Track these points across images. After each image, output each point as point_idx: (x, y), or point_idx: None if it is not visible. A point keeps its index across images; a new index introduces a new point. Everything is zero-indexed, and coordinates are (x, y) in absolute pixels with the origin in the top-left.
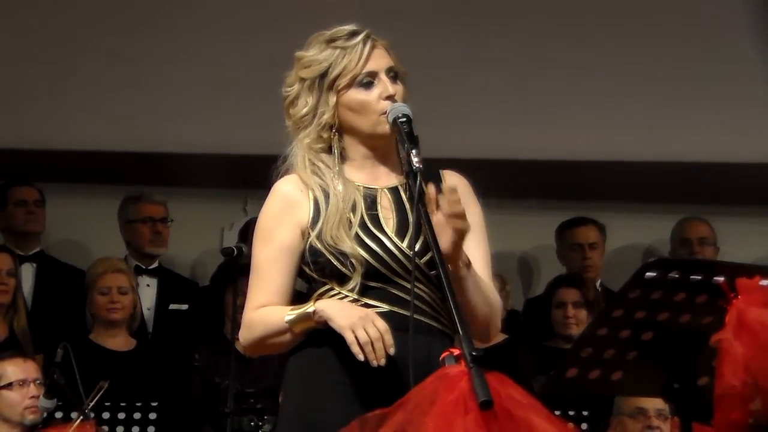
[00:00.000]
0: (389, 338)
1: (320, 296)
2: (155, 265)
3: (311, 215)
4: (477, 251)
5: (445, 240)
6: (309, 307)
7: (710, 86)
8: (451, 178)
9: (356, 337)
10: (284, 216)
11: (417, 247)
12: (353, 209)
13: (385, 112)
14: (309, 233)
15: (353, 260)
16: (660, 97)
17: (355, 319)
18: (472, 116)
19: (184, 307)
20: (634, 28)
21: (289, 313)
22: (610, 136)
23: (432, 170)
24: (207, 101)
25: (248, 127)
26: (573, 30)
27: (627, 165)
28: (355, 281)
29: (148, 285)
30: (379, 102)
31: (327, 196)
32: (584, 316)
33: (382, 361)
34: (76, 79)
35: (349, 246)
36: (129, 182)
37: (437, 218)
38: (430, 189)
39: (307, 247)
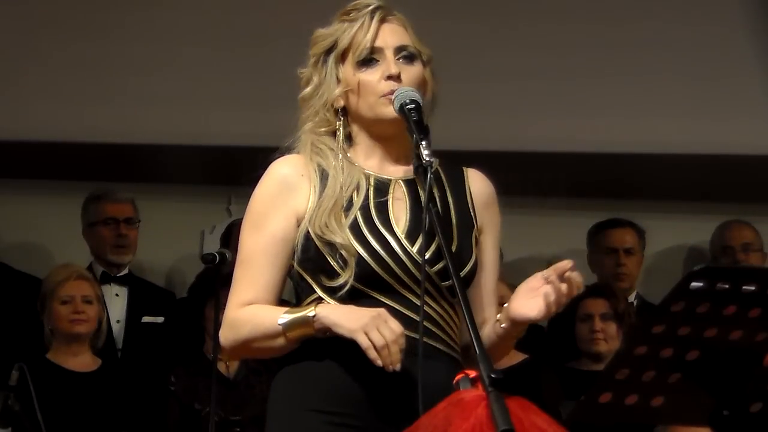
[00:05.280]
0: (403, 341)
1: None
2: (125, 272)
3: (310, 202)
4: (491, 271)
5: (529, 308)
6: (308, 311)
7: None
8: (478, 181)
9: (371, 341)
10: (279, 200)
11: (430, 251)
12: (356, 194)
13: (385, 94)
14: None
15: (344, 252)
16: (708, 78)
17: (367, 320)
18: (490, 101)
19: (160, 320)
20: None
21: (284, 316)
22: (652, 124)
23: (454, 165)
24: (184, 83)
25: (232, 114)
26: (605, 2)
27: (671, 158)
28: (345, 277)
29: (116, 294)
30: (379, 82)
31: (326, 177)
32: (614, 330)
33: (398, 366)
34: (30, 57)
35: (340, 236)
36: (93, 178)
37: (543, 286)
38: (565, 263)
39: (299, 233)
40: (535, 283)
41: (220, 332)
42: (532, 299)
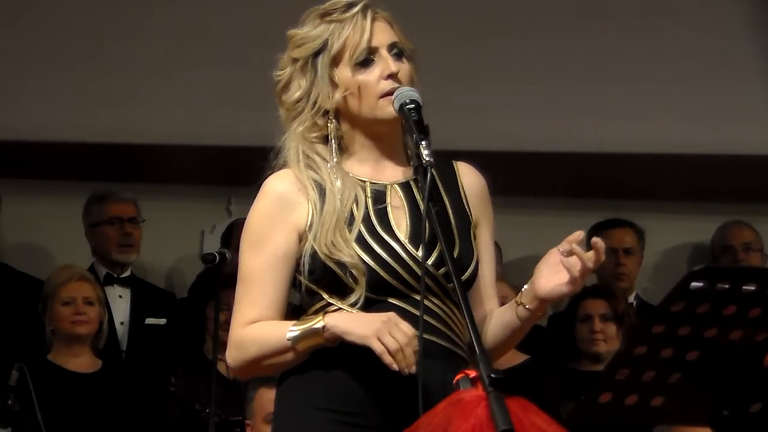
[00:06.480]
0: (416, 343)
1: (318, 312)
2: (127, 273)
3: (309, 217)
4: (489, 263)
5: (557, 283)
6: (317, 322)
7: None
8: (469, 174)
9: (385, 346)
10: (278, 218)
11: (433, 256)
12: (356, 207)
13: (386, 94)
14: (307, 237)
15: (354, 271)
16: (708, 78)
17: (379, 325)
18: (490, 101)
19: (163, 321)
20: None
21: (292, 329)
22: (652, 124)
23: (445, 161)
24: (184, 83)
25: (232, 114)
26: (605, 3)
27: (671, 158)
28: (358, 294)
29: (120, 296)
30: (379, 82)
31: (323, 193)
32: (613, 331)
33: (414, 369)
34: (29, 56)
35: (348, 254)
36: (94, 178)
37: (565, 259)
38: (577, 234)
39: (304, 252)
40: (555, 259)
41: (227, 353)
42: (558, 274)
